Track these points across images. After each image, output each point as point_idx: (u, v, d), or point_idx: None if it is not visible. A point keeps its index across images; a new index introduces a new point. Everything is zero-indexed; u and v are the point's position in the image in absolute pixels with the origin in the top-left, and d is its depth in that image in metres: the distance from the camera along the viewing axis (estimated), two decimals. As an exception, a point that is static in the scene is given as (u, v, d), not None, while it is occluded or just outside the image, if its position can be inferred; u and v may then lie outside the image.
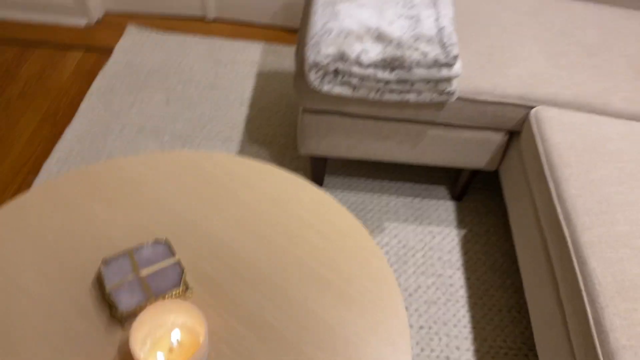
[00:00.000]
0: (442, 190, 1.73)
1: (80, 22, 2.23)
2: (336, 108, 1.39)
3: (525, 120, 1.38)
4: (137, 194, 1.00)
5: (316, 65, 1.26)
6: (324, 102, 1.38)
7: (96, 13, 2.24)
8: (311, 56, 1.26)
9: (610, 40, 1.52)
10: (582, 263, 1.02)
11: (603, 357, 0.90)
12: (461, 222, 1.65)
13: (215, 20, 2.33)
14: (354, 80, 1.29)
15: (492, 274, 1.52)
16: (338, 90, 1.31)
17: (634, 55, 1.48)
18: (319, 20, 1.33)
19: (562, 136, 1.25)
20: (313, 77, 1.28)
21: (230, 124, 1.87)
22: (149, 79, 2.00)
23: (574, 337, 1.00)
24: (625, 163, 1.18)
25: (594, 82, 1.39)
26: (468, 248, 1.58)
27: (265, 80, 2.05)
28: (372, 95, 1.31)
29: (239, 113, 1.91)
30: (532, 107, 1.36)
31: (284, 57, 2.17)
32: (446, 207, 1.68)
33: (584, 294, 0.98)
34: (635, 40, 1.53)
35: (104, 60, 2.07)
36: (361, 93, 1.31)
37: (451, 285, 1.48)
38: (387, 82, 1.28)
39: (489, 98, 1.35)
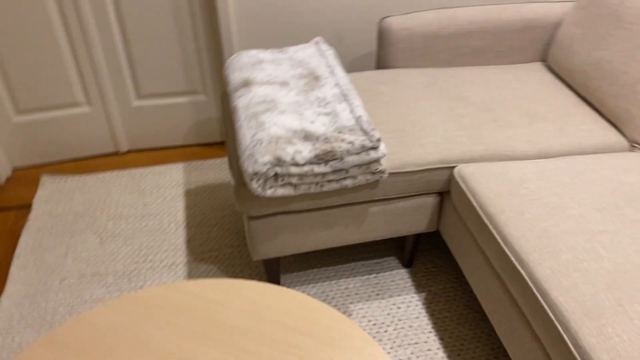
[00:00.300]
0: (393, 260, 1.81)
1: (-11, 183, 2.17)
2: (281, 209, 1.45)
3: (450, 180, 1.51)
4: (115, 344, 0.97)
5: (256, 174, 1.32)
6: (268, 206, 1.43)
7: (4, 172, 2.19)
8: (249, 167, 1.33)
9: (499, 96, 1.73)
10: (545, 295, 1.11)
11: (593, 376, 0.97)
12: (418, 286, 1.72)
13: (129, 152, 2.35)
14: (294, 180, 1.36)
15: (463, 328, 1.58)
16: (281, 192, 1.37)
17: (522, 104, 1.69)
18: (246, 133, 1.41)
19: (487, 187, 1.38)
20: (255, 185, 1.34)
21: (172, 249, 1.86)
22: (76, 224, 1.96)
23: (560, 365, 1.07)
24: (547, 198, 1.33)
25: (497, 133, 1.56)
26: (433, 310, 1.64)
27: (194, 197, 2.08)
28: (312, 189, 1.39)
29: (177, 236, 1.91)
30: (453, 167, 1.50)
31: (206, 172, 2.21)
32: (401, 276, 1.75)
33: (557, 323, 1.07)
34: (519, 91, 1.76)
35: (24, 217, 2.01)
36: (302, 190, 1.38)
37: (429, 350, 1.52)
38: (324, 175, 1.37)
39: (415, 168, 1.47)
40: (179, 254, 1.84)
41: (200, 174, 2.21)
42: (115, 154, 2.34)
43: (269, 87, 1.57)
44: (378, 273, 1.76)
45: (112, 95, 2.18)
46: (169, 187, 2.14)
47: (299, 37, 2.11)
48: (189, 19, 2.05)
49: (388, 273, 1.76)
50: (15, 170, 2.25)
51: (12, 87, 2.07)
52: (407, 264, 1.78)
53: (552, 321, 1.08)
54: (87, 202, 2.06)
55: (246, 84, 1.59)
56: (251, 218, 1.48)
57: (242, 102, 1.52)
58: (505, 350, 1.53)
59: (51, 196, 2.09)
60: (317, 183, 1.39)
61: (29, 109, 2.14)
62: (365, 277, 1.75)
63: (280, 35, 2.10)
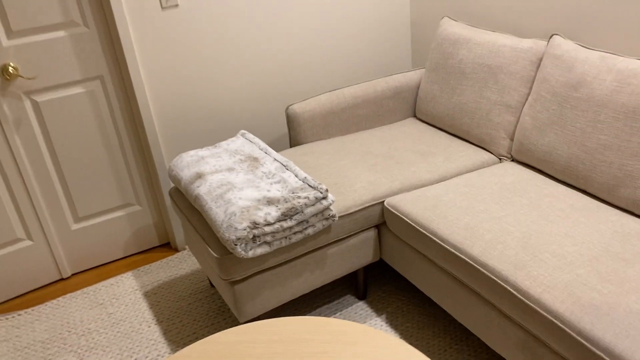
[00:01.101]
0: (350, 297, 2.11)
1: None
2: (260, 267, 1.71)
3: (383, 212, 1.89)
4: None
5: (239, 239, 1.59)
6: (249, 268, 1.69)
7: (-52, 325, 2.16)
8: (231, 235, 1.59)
9: (393, 146, 2.19)
10: (485, 266, 1.49)
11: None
12: (377, 311, 2.02)
13: (73, 275, 2.43)
14: (268, 238, 1.64)
15: (424, 331, 1.91)
16: (259, 251, 1.64)
17: (412, 148, 2.16)
18: (218, 211, 1.68)
19: (413, 208, 1.78)
20: (239, 249, 1.60)
21: (152, 344, 1.98)
22: (48, 350, 1.99)
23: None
24: (459, 203, 1.75)
25: (404, 171, 1.99)
26: (395, 325, 1.95)
27: (154, 296, 2.22)
28: (283, 243, 1.68)
29: (152, 332, 2.04)
30: (382, 202, 1.89)
31: (156, 273, 2.37)
32: (360, 307, 2.05)
33: (499, 281, 1.45)
34: (406, 140, 2.24)
35: (-12, 359, 2.00)
36: (276, 245, 1.67)
37: (405, 353, 1.81)
38: (291, 228, 1.67)
39: (355, 208, 1.84)
40: (161, 347, 1.96)
41: (152, 276, 2.36)
42: (60, 280, 2.40)
43: (220, 174, 1.86)
44: (341, 311, 2.04)
45: (50, 224, 2.30)
46: (127, 294, 2.26)
47: (219, 134, 2.45)
48: (115, 138, 2.30)
49: (350, 308, 2.05)
50: (-42, 321, 2.22)
51: (-50, 238, 2.11)
52: (362, 296, 2.09)
53: (495, 281, 1.46)
54: (50, 328, 2.10)
55: (199, 176, 1.87)
56: (235, 282, 1.72)
57: (203, 189, 1.80)
58: (463, 335, 1.87)
59: (9, 333, 2.10)
60: (286, 237, 1.68)
61: (-31, 256, 2.18)
62: (332, 317, 2.02)
63: (202, 136, 2.41)
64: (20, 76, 2.03)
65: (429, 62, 2.37)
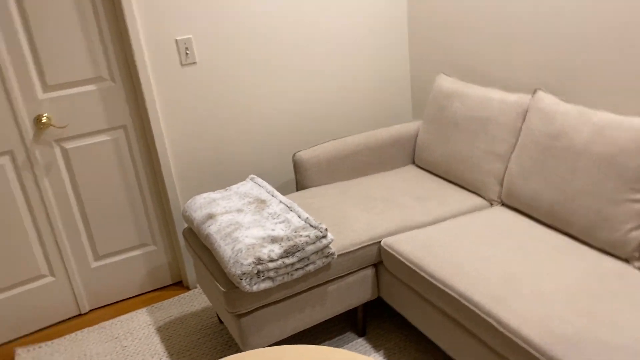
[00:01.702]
0: (350, 334, 2.22)
1: (-40, 370, 2.26)
2: (264, 302, 1.85)
3: (380, 251, 2.03)
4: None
5: (244, 274, 1.74)
6: (254, 302, 1.83)
7: (-27, 355, 2.30)
8: (237, 270, 1.74)
9: (392, 190, 2.34)
10: (469, 300, 1.62)
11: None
12: (376, 347, 2.13)
13: (91, 311, 2.57)
14: (271, 273, 1.79)
15: (419, 366, 2.01)
16: (263, 286, 1.78)
17: (409, 192, 2.31)
18: (226, 248, 1.84)
19: (407, 247, 1.92)
20: (244, 284, 1.75)
21: (162, 375, 2.10)
22: (64, 380, 2.12)
23: None
24: (449, 244, 1.89)
25: (401, 213, 2.14)
26: None
27: (166, 331, 2.35)
28: (285, 278, 1.82)
29: (163, 365, 2.16)
30: (379, 242, 2.03)
31: (168, 309, 2.51)
32: (360, 344, 2.15)
33: (481, 314, 1.57)
34: (404, 185, 2.39)
35: (9, 388, 2.13)
36: (278, 281, 1.81)
37: (400, 387, 1.91)
38: (292, 265, 1.82)
39: (354, 247, 1.98)
40: (171, 378, 2.08)
41: (164, 312, 2.49)
42: (79, 315, 2.55)
43: (229, 215, 2.03)
44: (342, 347, 2.15)
45: (72, 262, 2.47)
46: (141, 329, 2.39)
47: (230, 178, 2.63)
48: (135, 182, 2.49)
49: (350, 344, 2.16)
50: (-17, 352, 2.37)
51: (-19, 272, 2.29)
52: (362, 332, 2.20)
53: (478, 314, 1.58)
54: (67, 360, 2.24)
55: (210, 216, 2.04)
56: (240, 316, 1.85)
57: (213, 228, 1.96)
58: (454, 372, 1.97)
59: (30, 364, 2.24)
60: (288, 273, 1.83)
61: (1, 289, 2.35)
62: (333, 351, 2.12)
63: (214, 179, 2.60)
64: (53, 125, 2.25)
65: (426, 113, 2.56)
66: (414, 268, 1.84)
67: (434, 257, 1.83)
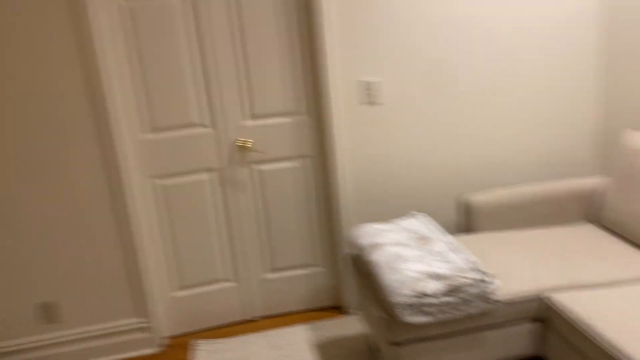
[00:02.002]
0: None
1: (152, 350, 2.64)
2: (419, 335, 1.88)
3: (547, 307, 1.94)
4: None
5: (403, 303, 1.80)
6: (410, 332, 1.88)
7: (163, 340, 2.68)
8: (397, 299, 1.81)
9: (567, 245, 2.23)
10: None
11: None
12: (532, 407, 2.02)
13: (260, 318, 2.84)
14: (430, 309, 1.83)
15: None
16: (420, 319, 1.83)
17: (586, 249, 2.18)
18: (388, 277, 1.92)
19: (583, 307, 1.81)
20: (402, 313, 1.81)
21: (315, 389, 2.23)
22: (232, 375, 2.37)
23: None
24: (632, 309, 1.74)
25: (575, 270, 2.03)
26: None
27: (323, 348, 2.49)
28: (444, 317, 1.84)
29: (316, 380, 2.29)
30: (547, 297, 1.94)
31: (328, 329, 2.66)
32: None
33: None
34: (581, 242, 2.26)
35: (187, 372, 2.44)
36: (436, 317, 1.84)
37: None
38: (453, 304, 1.84)
39: (519, 298, 1.93)
40: (322, 393, 2.20)
41: (323, 331, 2.65)
42: (250, 321, 2.83)
43: (394, 247, 2.12)
44: (495, 399, 2.08)
45: (250, 271, 2.76)
46: (300, 342, 2.57)
47: (396, 213, 2.73)
48: (313, 206, 2.72)
49: (503, 399, 2.08)
50: (171, 338, 2.74)
51: (181, 266, 2.68)
52: (519, 390, 2.10)
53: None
54: (236, 359, 2.49)
55: (375, 246, 2.15)
56: (396, 344, 1.91)
57: (377, 257, 2.07)
58: None
59: (207, 358, 2.54)
60: (447, 311, 1.85)
61: (188, 285, 2.72)
62: (485, 402, 2.06)
63: (382, 213, 2.72)
64: (254, 149, 2.59)
65: (613, 169, 2.40)
66: (588, 331, 1.73)
67: (612, 323, 1.70)
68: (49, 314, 2.52)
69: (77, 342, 2.57)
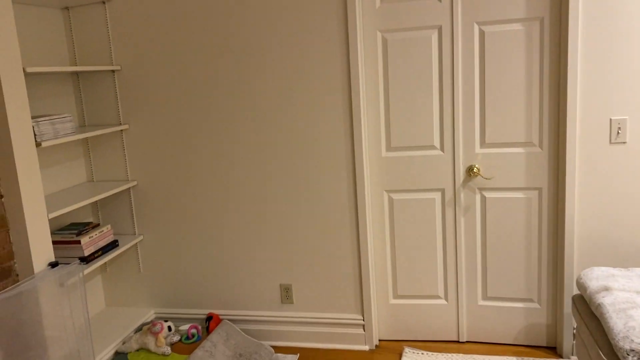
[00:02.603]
0: None
1: (364, 347, 2.89)
2: (647, 389, 1.77)
3: None
4: None
5: (632, 350, 1.73)
6: (636, 384, 1.78)
7: (375, 340, 2.92)
8: (626, 345, 1.74)
9: None
10: None
11: None
12: None
13: (467, 342, 2.89)
14: (664, 363, 1.71)
15: None
16: (651, 371, 1.72)
17: None
18: (618, 322, 1.85)
19: None
20: (631, 359, 1.73)
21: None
22: (436, 387, 2.48)
23: None
24: None
25: None
26: None
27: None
28: (680, 375, 1.71)
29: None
30: None
31: (538, 368, 2.60)
32: None
33: None
34: None
35: (395, 374, 2.62)
36: (670, 374, 1.72)
37: None
38: (692, 363, 1.69)
39: None
40: None
41: (532, 369, 2.60)
42: (456, 342, 2.90)
43: (627, 293, 2.02)
44: None
45: (464, 293, 2.84)
46: (507, 374, 2.56)
47: (633, 260, 2.55)
48: (536, 240, 2.69)
49: None
50: (381, 341, 2.97)
51: (401, 276, 2.90)
52: None
53: None
54: (441, 372, 2.60)
55: (606, 289, 2.07)
56: (617, 393, 1.82)
57: (607, 300, 1.99)
58: None
59: (412, 363, 2.70)
60: (684, 370, 1.71)
61: (404, 295, 2.91)
62: None
63: (613, 257, 2.57)
64: (481, 175, 2.69)
65: None
66: None
67: None
68: (287, 294, 2.95)
69: (305, 324, 2.96)
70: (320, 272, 2.90)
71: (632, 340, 1.74)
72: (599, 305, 2.02)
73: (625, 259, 2.57)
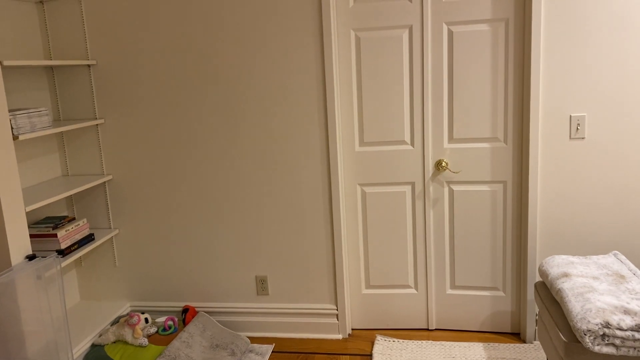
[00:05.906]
0: None
1: (338, 336, 2.99)
2: (602, 366, 1.91)
3: None
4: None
5: (589, 331, 1.86)
6: (592, 362, 1.91)
7: (347, 330, 3.01)
8: (583, 326, 1.87)
9: None
10: None
11: None
12: None
13: (436, 330, 3.01)
14: (617, 342, 1.85)
15: None
16: (605, 350, 1.86)
17: None
18: (576, 305, 1.98)
19: None
20: (587, 340, 1.86)
21: (485, 402, 2.34)
22: (407, 372, 2.59)
23: None
24: None
25: None
26: None
27: (496, 369, 2.59)
28: (630, 352, 1.85)
29: (487, 394, 2.40)
30: None
31: (502, 352, 2.73)
32: None
33: None
34: None
35: (367, 361, 2.72)
36: (622, 351, 1.86)
37: None
38: (642, 341, 1.84)
39: None
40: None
41: (497, 353, 2.73)
42: (426, 329, 3.02)
43: (585, 279, 2.16)
44: None
45: (433, 283, 2.96)
46: (474, 357, 2.69)
47: (590, 250, 2.71)
48: (501, 231, 2.83)
49: None
50: (354, 330, 3.06)
51: (372, 266, 3.00)
52: None
53: None
54: (412, 359, 2.71)
55: (566, 275, 2.21)
56: (575, 371, 1.96)
57: (567, 285, 2.13)
58: None
59: (384, 351, 2.80)
60: (634, 348, 1.85)
61: (375, 285, 3.01)
62: None
63: (573, 246, 2.72)
64: (449, 169, 2.81)
65: None
66: None
67: None
68: (262, 285, 3.02)
69: (280, 315, 3.03)
70: (295, 264, 2.98)
71: (589, 322, 1.87)
72: (559, 290, 2.15)
73: (583, 248, 2.72)
